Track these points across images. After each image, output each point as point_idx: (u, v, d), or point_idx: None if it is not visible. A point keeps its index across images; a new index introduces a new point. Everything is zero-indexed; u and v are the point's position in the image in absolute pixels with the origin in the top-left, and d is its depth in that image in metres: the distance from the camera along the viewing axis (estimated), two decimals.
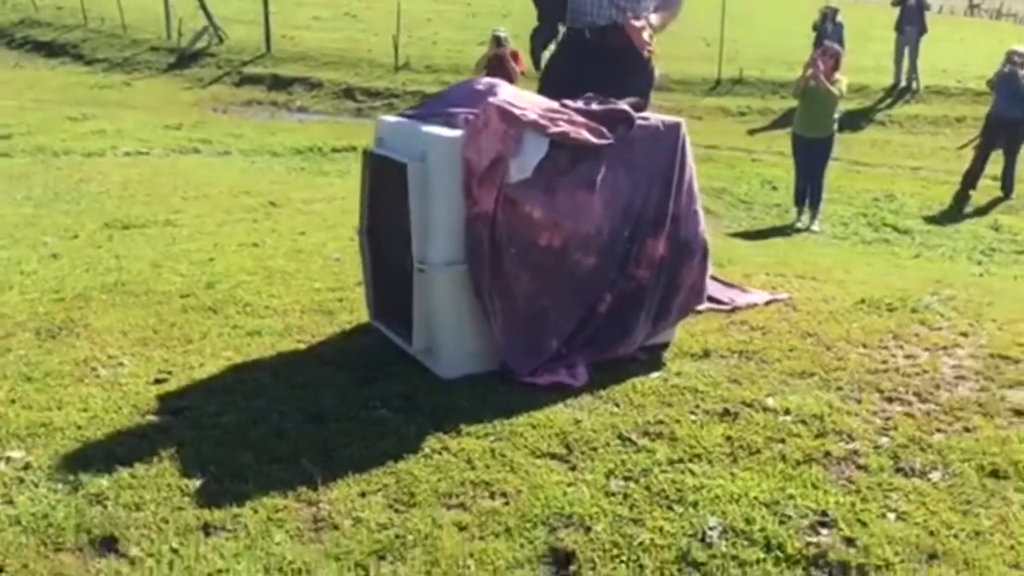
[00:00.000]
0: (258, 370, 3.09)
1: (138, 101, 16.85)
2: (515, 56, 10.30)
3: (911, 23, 14.64)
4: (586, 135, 2.89)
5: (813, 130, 8.71)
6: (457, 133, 2.86)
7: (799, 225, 8.87)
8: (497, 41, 10.10)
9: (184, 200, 6.62)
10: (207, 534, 2.22)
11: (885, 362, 3.17)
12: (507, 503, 2.37)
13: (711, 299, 3.66)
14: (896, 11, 14.99)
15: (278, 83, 18.15)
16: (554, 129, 2.85)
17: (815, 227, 8.77)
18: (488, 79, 3.08)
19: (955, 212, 9.74)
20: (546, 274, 2.96)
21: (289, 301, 3.79)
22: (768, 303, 3.76)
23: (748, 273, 4.29)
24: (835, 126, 8.79)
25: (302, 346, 3.34)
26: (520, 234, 2.89)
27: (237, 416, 2.74)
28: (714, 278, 3.89)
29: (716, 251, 4.83)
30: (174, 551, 2.16)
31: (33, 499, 2.30)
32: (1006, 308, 3.80)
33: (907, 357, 3.22)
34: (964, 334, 3.42)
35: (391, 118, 3.17)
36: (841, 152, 12.31)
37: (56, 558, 2.13)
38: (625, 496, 2.40)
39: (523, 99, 2.96)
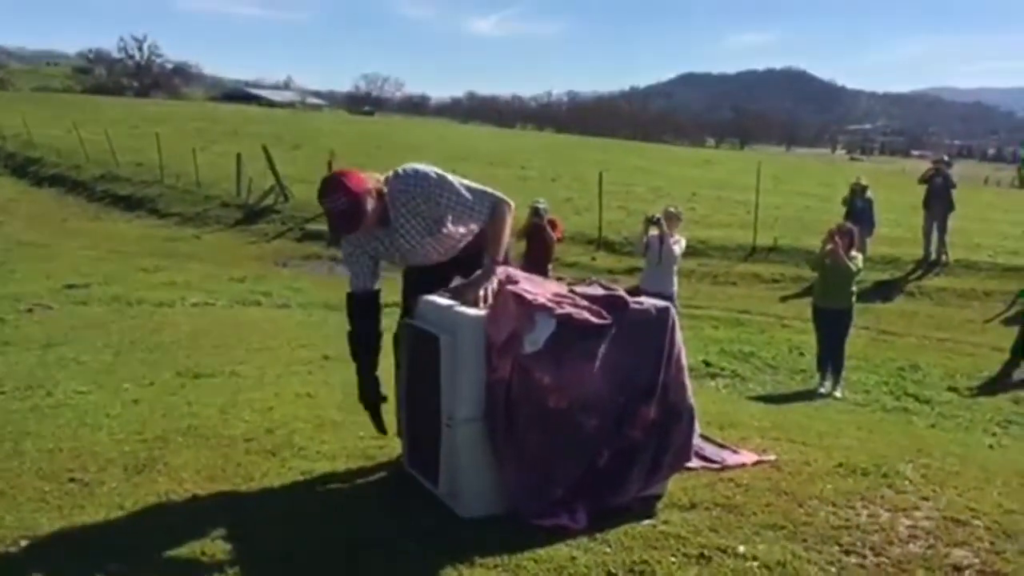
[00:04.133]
0: (307, 504, 3.66)
1: (206, 254, 18.01)
2: (553, 224, 11.15)
3: (938, 201, 15.33)
4: (587, 316, 3.51)
5: (832, 301, 9.27)
6: (481, 312, 3.51)
7: (822, 391, 9.28)
8: (536, 212, 10.95)
9: (248, 352, 7.33)
10: None
11: (848, 519, 3.62)
12: None
13: (704, 458, 4.17)
14: (924, 188, 15.75)
15: (338, 239, 19.28)
16: (560, 311, 3.48)
17: (837, 393, 9.18)
18: (507, 269, 3.73)
19: (993, 382, 10.13)
20: (553, 431, 3.52)
21: (337, 447, 4.38)
22: (755, 463, 4.25)
23: (745, 436, 4.79)
24: (853, 298, 9.32)
25: (346, 485, 3.92)
26: (532, 396, 3.47)
27: (286, 541, 3.30)
28: (709, 439, 4.41)
29: (721, 415, 5.37)
30: None
31: None
32: (971, 476, 4.25)
33: (870, 516, 3.67)
34: (925, 498, 3.88)
35: (431, 296, 3.81)
36: (870, 321, 12.83)
37: None
38: None
39: (536, 285, 3.61)
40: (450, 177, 3.75)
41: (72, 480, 3.89)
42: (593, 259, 16.86)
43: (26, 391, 5.86)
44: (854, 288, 9.33)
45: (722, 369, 10.01)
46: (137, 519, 3.50)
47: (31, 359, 7.25)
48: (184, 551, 3.19)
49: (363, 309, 3.89)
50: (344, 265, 3.99)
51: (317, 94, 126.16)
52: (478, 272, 3.76)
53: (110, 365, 6.92)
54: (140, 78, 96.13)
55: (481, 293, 3.63)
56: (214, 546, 3.24)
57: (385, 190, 3.68)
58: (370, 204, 3.58)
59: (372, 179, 3.64)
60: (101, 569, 3.02)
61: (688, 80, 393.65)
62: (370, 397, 3.92)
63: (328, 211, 3.57)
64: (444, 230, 3.79)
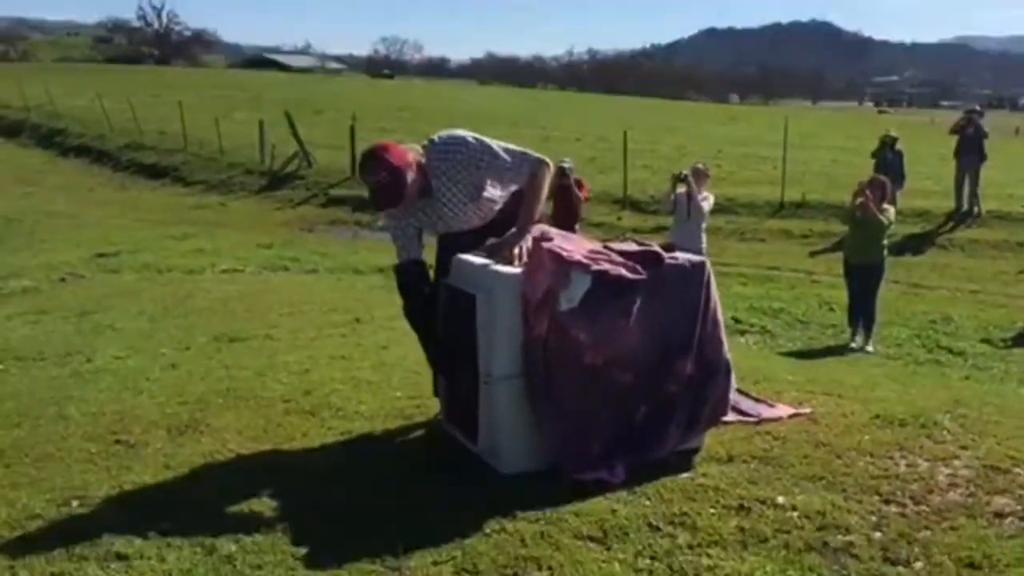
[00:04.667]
0: (349, 464, 3.72)
1: (232, 220, 18.12)
2: (579, 184, 11.11)
3: (970, 151, 15.11)
4: (622, 272, 3.52)
5: (863, 256, 9.19)
6: (516, 270, 3.51)
7: (853, 345, 9.25)
8: (562, 171, 10.90)
9: (280, 316, 7.39)
10: None
11: (887, 469, 3.63)
12: (552, 575, 2.90)
13: (740, 411, 4.18)
14: (955, 139, 15.52)
15: (362, 204, 19.31)
16: (596, 267, 3.48)
17: (869, 348, 9.14)
18: (542, 226, 3.74)
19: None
20: (590, 387, 3.54)
21: (375, 407, 4.43)
22: (791, 416, 4.25)
23: (779, 390, 4.79)
24: (884, 252, 9.24)
25: (385, 444, 3.97)
26: (568, 353, 3.49)
27: (332, 499, 3.36)
28: (744, 393, 4.42)
29: (753, 370, 5.37)
30: None
31: (179, 559, 2.92)
32: (1010, 426, 4.22)
33: (908, 466, 3.67)
34: (964, 447, 3.86)
35: (466, 255, 3.81)
36: (901, 275, 12.73)
37: None
38: (650, 572, 2.91)
39: (571, 242, 3.61)
40: (488, 140, 3.73)
41: (118, 442, 3.98)
42: (619, 218, 16.81)
43: (65, 357, 5.97)
44: (885, 242, 9.24)
45: (752, 325, 9.99)
46: (184, 478, 3.58)
47: (68, 327, 7.38)
48: (233, 508, 3.26)
49: (413, 278, 3.90)
50: (388, 236, 3.95)
51: (336, 58, 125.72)
52: (512, 230, 3.76)
53: (146, 331, 7.02)
54: (160, 46, 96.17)
55: (516, 251, 3.63)
56: (261, 503, 3.30)
57: (424, 161, 3.66)
58: (411, 177, 3.56)
59: (412, 151, 3.62)
60: (153, 526, 3.08)
61: (711, 36, 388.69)
62: (438, 359, 3.95)
63: (370, 186, 3.56)
64: (485, 194, 3.78)
